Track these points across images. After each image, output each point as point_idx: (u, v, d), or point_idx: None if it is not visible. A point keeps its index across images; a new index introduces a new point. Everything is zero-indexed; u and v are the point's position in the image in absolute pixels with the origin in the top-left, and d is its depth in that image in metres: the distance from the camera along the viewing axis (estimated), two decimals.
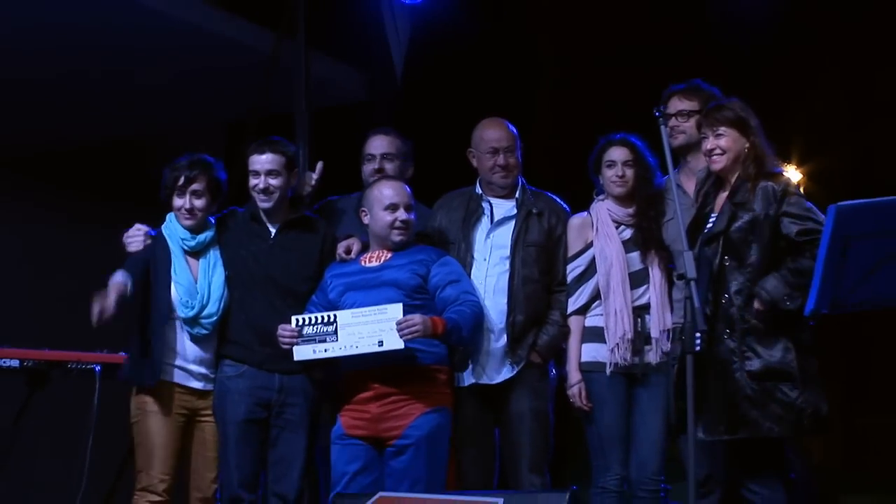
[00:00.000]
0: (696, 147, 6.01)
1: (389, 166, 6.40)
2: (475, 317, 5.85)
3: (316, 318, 5.79)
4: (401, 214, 5.95)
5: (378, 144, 6.48)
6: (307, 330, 5.79)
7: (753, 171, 5.51)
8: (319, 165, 6.63)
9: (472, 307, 5.84)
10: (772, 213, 5.43)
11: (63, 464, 6.75)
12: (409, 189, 6.07)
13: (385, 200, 5.95)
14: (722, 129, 5.54)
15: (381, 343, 5.65)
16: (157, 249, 6.07)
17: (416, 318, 5.63)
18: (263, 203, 6.12)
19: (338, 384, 5.94)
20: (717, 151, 5.54)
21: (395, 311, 5.65)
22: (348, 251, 6.05)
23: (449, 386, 5.93)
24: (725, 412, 5.38)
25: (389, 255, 5.92)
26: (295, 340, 5.80)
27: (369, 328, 5.68)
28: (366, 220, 6.02)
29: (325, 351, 5.76)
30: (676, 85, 6.15)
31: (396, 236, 5.95)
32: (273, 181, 6.09)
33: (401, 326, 5.60)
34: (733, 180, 5.56)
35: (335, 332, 5.73)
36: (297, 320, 5.82)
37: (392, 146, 6.47)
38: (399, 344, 5.62)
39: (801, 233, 5.37)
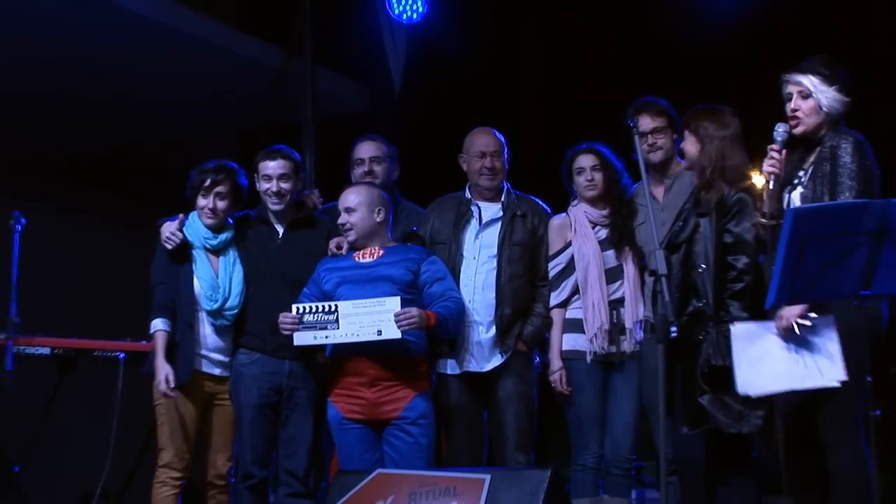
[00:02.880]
0: (669, 161, 6.06)
1: (378, 168, 6.41)
2: (459, 312, 5.90)
3: (317, 307, 5.78)
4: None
5: (366, 149, 6.48)
6: (308, 318, 5.78)
7: (705, 179, 5.39)
8: (317, 191, 6.63)
9: (456, 303, 5.89)
10: (720, 226, 5.32)
11: (90, 442, 6.77)
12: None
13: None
14: (686, 134, 5.48)
15: (379, 332, 5.66)
16: (181, 250, 6.06)
17: (414, 310, 5.66)
18: (275, 206, 6.13)
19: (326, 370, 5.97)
20: (686, 153, 5.51)
21: (394, 303, 5.66)
22: (339, 247, 6.06)
23: (429, 375, 5.96)
24: (690, 406, 5.30)
25: (382, 252, 5.92)
26: (296, 327, 5.80)
27: (369, 318, 5.69)
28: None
29: (326, 337, 5.76)
30: (638, 101, 6.06)
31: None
32: (284, 185, 6.11)
33: (399, 318, 5.63)
34: (699, 188, 5.46)
35: (336, 320, 5.73)
36: (298, 308, 5.82)
37: (379, 150, 6.47)
38: (396, 334, 5.64)
39: (734, 277, 5.26)
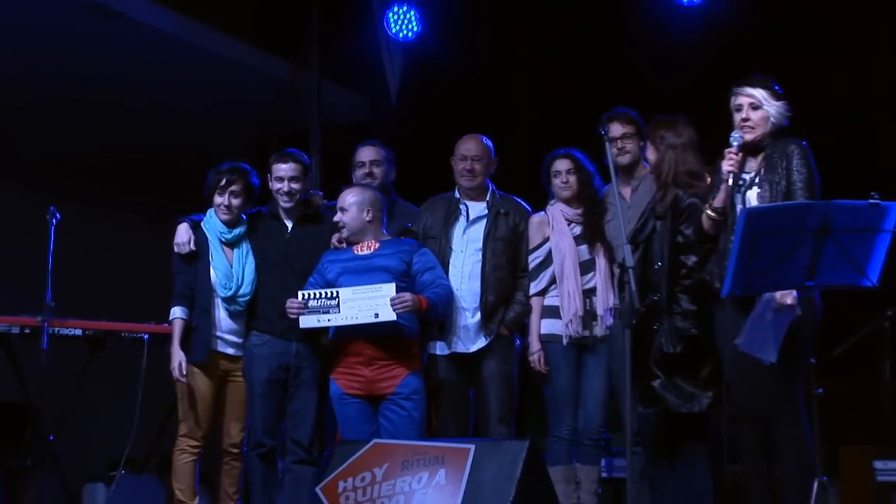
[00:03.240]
0: (635, 164, 6.06)
1: (377, 171, 6.39)
2: (448, 297, 5.91)
3: (320, 293, 5.79)
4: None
5: (366, 153, 6.46)
6: (312, 303, 5.78)
7: (662, 182, 5.39)
8: (321, 193, 6.63)
9: (445, 289, 5.90)
10: (674, 227, 5.34)
11: (118, 414, 6.76)
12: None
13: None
14: (648, 142, 5.48)
15: (377, 315, 5.67)
16: (198, 242, 6.08)
17: (407, 295, 5.67)
18: (286, 203, 6.13)
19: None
20: (649, 160, 5.50)
21: (389, 289, 5.67)
22: (340, 241, 6.07)
23: (420, 355, 5.96)
24: (644, 388, 5.32)
25: (378, 245, 5.93)
26: (302, 311, 5.81)
27: (367, 303, 5.69)
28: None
29: (329, 321, 5.76)
30: (611, 111, 6.08)
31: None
32: (294, 185, 6.12)
33: (394, 302, 5.64)
34: (660, 192, 5.46)
35: (338, 305, 5.74)
36: (303, 295, 5.81)
37: (378, 154, 6.44)
38: (392, 316, 5.65)
39: (685, 274, 5.26)
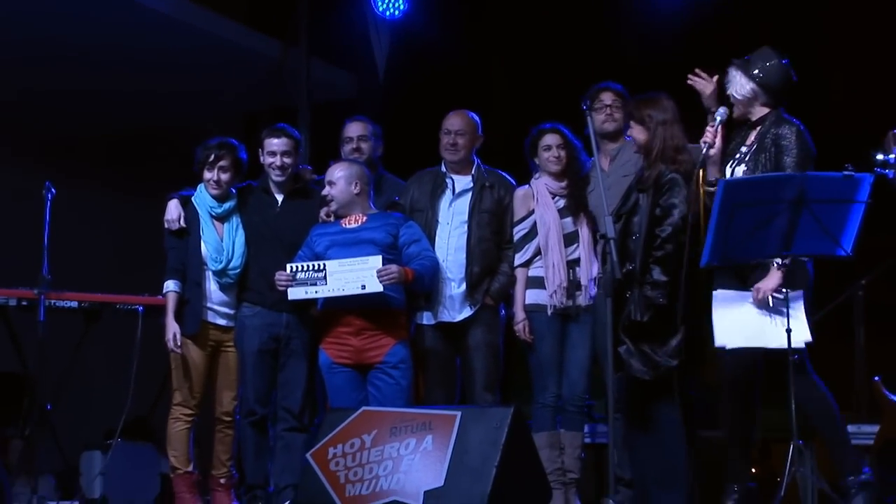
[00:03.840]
0: (618, 133, 6.07)
1: (364, 146, 6.36)
2: (433, 268, 5.90)
3: (308, 265, 5.77)
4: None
5: (354, 129, 6.43)
6: (300, 275, 5.77)
7: (651, 158, 5.34)
8: (310, 168, 6.62)
9: (431, 261, 5.89)
10: (654, 201, 5.26)
11: (113, 384, 6.76)
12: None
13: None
14: (631, 122, 5.42)
15: (363, 287, 5.66)
16: (189, 217, 6.07)
17: (394, 267, 5.66)
18: (278, 177, 6.11)
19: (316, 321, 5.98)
20: (632, 139, 5.46)
21: (376, 261, 5.66)
22: (328, 215, 6.06)
23: (407, 327, 5.96)
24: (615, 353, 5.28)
25: (365, 219, 5.91)
26: (290, 283, 5.79)
27: (354, 275, 5.68)
28: None
29: (316, 292, 5.75)
30: (599, 84, 6.12)
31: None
32: (286, 160, 6.10)
33: (380, 273, 5.63)
34: (645, 167, 5.41)
35: (325, 277, 5.73)
36: (291, 267, 5.80)
37: (365, 130, 6.42)
38: (379, 287, 5.64)
39: (658, 245, 5.22)
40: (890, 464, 5.03)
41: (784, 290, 5.01)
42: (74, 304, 6.89)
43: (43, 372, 6.38)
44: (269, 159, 6.10)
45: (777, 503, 4.87)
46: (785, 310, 4.95)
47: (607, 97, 6.07)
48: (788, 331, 4.89)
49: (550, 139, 6.09)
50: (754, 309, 5.12)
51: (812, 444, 6.49)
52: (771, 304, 5.07)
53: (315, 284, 5.74)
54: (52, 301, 6.58)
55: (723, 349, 5.17)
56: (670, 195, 5.22)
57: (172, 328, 5.93)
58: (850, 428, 5.88)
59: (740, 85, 5.38)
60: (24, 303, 6.71)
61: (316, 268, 5.75)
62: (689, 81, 5.49)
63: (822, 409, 5.17)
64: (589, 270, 5.99)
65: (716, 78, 5.44)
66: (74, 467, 7.51)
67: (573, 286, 5.99)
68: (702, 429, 5.83)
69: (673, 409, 5.27)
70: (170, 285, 6.01)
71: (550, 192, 6.08)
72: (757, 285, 5.12)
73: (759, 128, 5.29)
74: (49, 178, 6.44)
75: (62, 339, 6.75)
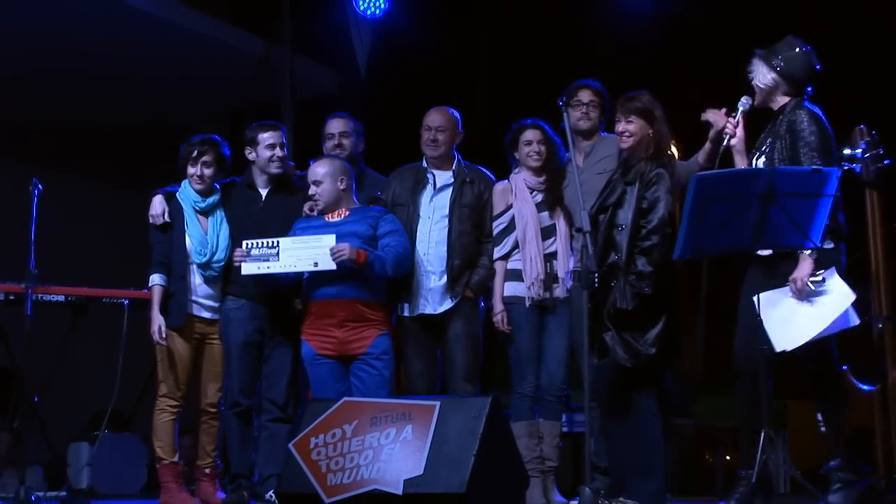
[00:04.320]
0: (593, 131, 6.11)
1: (346, 142, 6.35)
2: (398, 256, 5.83)
3: (262, 242, 5.77)
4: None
5: (335, 125, 6.42)
6: (254, 251, 5.77)
7: (651, 153, 5.35)
8: (293, 164, 6.61)
9: (396, 249, 5.83)
10: (640, 193, 5.30)
11: (100, 376, 6.77)
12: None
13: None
14: (632, 117, 5.40)
15: (316, 264, 5.67)
16: (173, 212, 6.08)
17: (345, 246, 5.64)
18: (277, 169, 6.13)
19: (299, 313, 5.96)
20: (627, 133, 5.42)
21: (329, 240, 5.66)
22: (312, 209, 6.06)
23: (389, 319, 5.94)
24: (599, 340, 5.32)
25: (347, 213, 5.91)
26: (244, 259, 5.79)
27: (307, 252, 5.69)
28: None
29: (269, 268, 5.75)
30: (579, 81, 6.12)
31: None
32: (282, 151, 6.13)
33: (333, 251, 5.63)
34: (632, 160, 5.42)
35: (277, 254, 5.73)
36: (247, 244, 5.81)
37: (346, 126, 6.40)
38: (331, 265, 5.63)
39: (644, 237, 5.25)
40: (859, 451, 5.05)
41: (818, 272, 5.00)
42: (61, 298, 6.91)
43: (31, 365, 6.39)
44: (268, 152, 6.09)
45: (750, 490, 4.89)
46: (824, 291, 4.94)
47: (585, 95, 6.07)
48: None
49: (531, 134, 6.11)
50: (795, 302, 5.04)
51: (784, 433, 6.55)
52: (812, 288, 5.01)
53: (268, 260, 5.75)
54: (40, 295, 6.59)
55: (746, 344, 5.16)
56: (657, 188, 5.26)
57: (157, 321, 5.93)
58: (821, 417, 5.92)
59: (762, 74, 5.32)
60: (12, 297, 6.72)
61: (269, 244, 5.75)
62: (703, 117, 5.45)
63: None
64: (566, 263, 6.00)
65: (724, 110, 5.41)
66: (62, 458, 7.52)
67: (550, 279, 6.01)
68: (675, 417, 5.85)
69: (652, 398, 5.31)
70: (155, 279, 6.01)
71: (528, 187, 6.10)
72: (792, 276, 5.05)
73: (779, 117, 5.29)
74: (36, 173, 6.44)
75: (50, 332, 6.76)
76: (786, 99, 5.31)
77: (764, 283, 5.14)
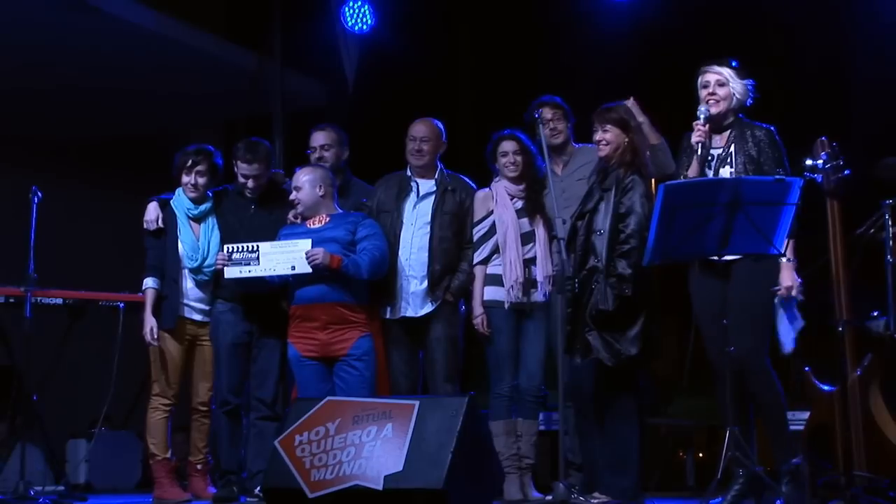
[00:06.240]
0: (566, 142, 6.15)
1: (327, 154, 6.33)
2: (374, 259, 5.83)
3: (243, 247, 5.79)
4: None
5: (317, 138, 6.40)
6: (235, 256, 5.79)
7: (627, 160, 5.38)
8: (282, 172, 6.65)
9: (372, 253, 5.83)
10: (617, 199, 5.32)
11: (96, 376, 6.76)
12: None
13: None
14: (608, 126, 5.42)
15: (293, 267, 5.69)
16: (167, 219, 6.09)
17: (320, 251, 5.67)
18: (250, 194, 6.15)
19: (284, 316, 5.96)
20: (604, 142, 5.43)
21: (305, 244, 5.69)
22: (296, 217, 6.07)
23: (371, 321, 5.94)
24: (580, 340, 5.35)
25: (328, 219, 5.92)
26: (226, 263, 5.81)
27: (284, 256, 5.71)
28: None
29: (250, 272, 5.77)
30: (542, 98, 6.16)
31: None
32: (254, 182, 6.13)
33: (308, 255, 5.65)
34: (609, 168, 5.43)
35: (258, 258, 5.75)
36: (228, 248, 5.83)
37: (328, 138, 6.38)
38: (307, 269, 5.66)
39: (623, 241, 5.28)
40: (819, 448, 5.06)
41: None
42: (59, 301, 6.89)
43: (29, 365, 6.38)
44: (243, 180, 6.13)
45: (713, 486, 4.90)
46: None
47: (547, 112, 6.10)
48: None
49: (507, 146, 6.12)
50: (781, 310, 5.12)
51: (753, 430, 6.53)
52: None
53: (249, 264, 5.77)
54: (39, 298, 6.58)
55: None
56: (633, 193, 5.29)
57: (150, 323, 5.95)
58: (788, 415, 5.94)
59: (743, 86, 5.29)
60: (12, 300, 6.70)
61: (250, 249, 5.77)
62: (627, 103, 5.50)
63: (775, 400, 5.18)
64: (544, 268, 6.01)
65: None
66: (60, 454, 7.51)
67: (529, 283, 6.01)
68: (649, 416, 5.85)
69: (630, 398, 5.34)
70: (148, 282, 6.03)
71: (509, 194, 6.11)
72: (786, 285, 5.07)
73: (729, 131, 5.28)
74: (35, 181, 6.46)
75: (48, 334, 6.76)
76: (732, 116, 5.30)
77: (718, 287, 5.15)
